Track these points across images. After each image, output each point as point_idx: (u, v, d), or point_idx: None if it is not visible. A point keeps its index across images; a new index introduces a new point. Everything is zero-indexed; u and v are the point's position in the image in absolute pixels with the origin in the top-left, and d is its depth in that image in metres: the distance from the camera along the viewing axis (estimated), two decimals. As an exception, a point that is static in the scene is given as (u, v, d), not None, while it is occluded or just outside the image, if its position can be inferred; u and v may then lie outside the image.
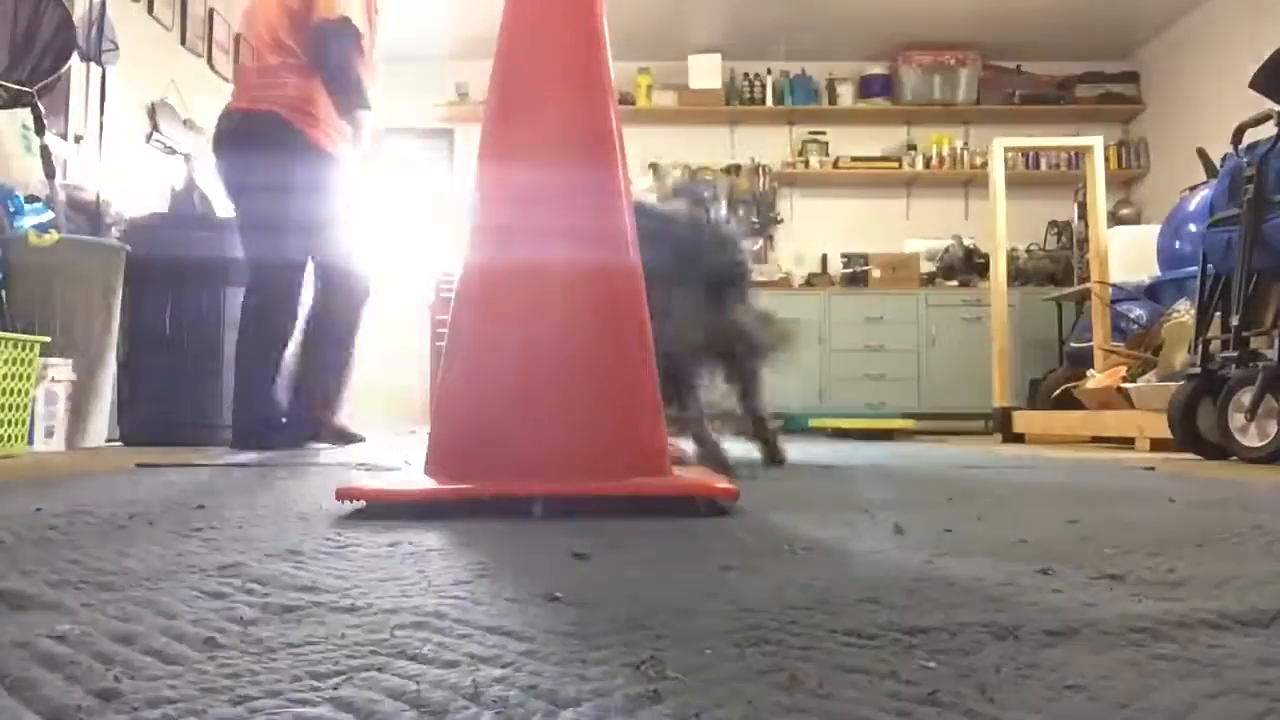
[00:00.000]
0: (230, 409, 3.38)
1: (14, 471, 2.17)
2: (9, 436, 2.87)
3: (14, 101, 3.43)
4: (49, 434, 3.15)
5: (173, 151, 5.27)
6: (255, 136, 3.16)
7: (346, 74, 3.21)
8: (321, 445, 3.31)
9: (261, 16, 3.29)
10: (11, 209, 3.34)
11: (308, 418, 3.35)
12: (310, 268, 3.38)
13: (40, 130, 3.45)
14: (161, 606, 0.67)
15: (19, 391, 2.91)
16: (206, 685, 0.49)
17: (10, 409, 2.88)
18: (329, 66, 3.17)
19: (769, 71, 6.91)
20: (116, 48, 4.42)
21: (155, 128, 5.12)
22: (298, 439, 3.26)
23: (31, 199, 3.53)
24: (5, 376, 2.85)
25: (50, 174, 3.45)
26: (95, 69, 4.40)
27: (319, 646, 0.56)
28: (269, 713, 0.45)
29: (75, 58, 3.82)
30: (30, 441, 3.03)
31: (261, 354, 3.25)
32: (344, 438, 3.44)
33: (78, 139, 4.38)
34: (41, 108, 3.45)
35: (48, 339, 3.14)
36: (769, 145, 6.93)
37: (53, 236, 3.29)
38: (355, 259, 3.42)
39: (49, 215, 3.44)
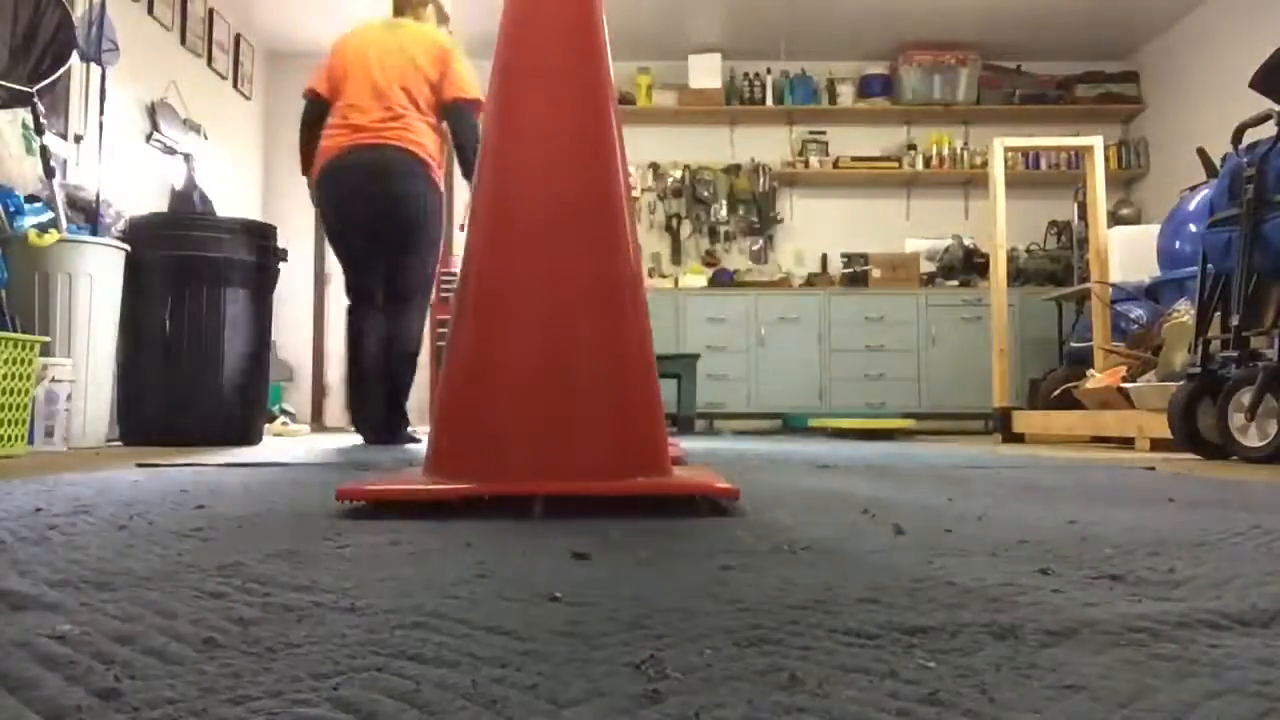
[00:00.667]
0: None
1: (14, 471, 2.17)
2: (9, 436, 2.87)
3: (14, 101, 3.43)
4: (49, 434, 3.15)
5: (172, 151, 5.27)
6: (410, 170, 3.53)
7: (478, 152, 3.53)
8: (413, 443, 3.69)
9: (392, 68, 3.58)
10: (11, 209, 3.34)
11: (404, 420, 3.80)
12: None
13: (40, 130, 3.45)
14: (161, 606, 0.67)
15: (19, 391, 2.91)
16: (206, 685, 0.49)
17: (10, 409, 2.88)
18: (470, 142, 3.56)
19: (769, 71, 6.91)
20: (116, 48, 4.42)
21: (155, 127, 5.12)
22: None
23: (31, 199, 3.53)
24: (5, 376, 2.85)
25: (50, 174, 3.45)
26: (95, 69, 4.40)
27: (319, 646, 0.56)
28: (269, 713, 0.45)
29: (75, 58, 3.82)
30: (30, 441, 3.03)
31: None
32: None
33: (77, 139, 4.38)
34: (41, 108, 3.45)
35: (48, 339, 3.14)
36: (769, 145, 6.93)
37: (53, 236, 3.29)
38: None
39: (49, 215, 3.44)
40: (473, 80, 3.59)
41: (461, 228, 3.97)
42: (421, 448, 3.08)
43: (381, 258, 3.62)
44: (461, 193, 3.83)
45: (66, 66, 3.66)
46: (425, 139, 3.56)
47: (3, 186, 3.43)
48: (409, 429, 3.80)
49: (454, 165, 4.03)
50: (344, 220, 3.60)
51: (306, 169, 3.71)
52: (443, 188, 3.73)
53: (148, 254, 3.66)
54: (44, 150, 3.46)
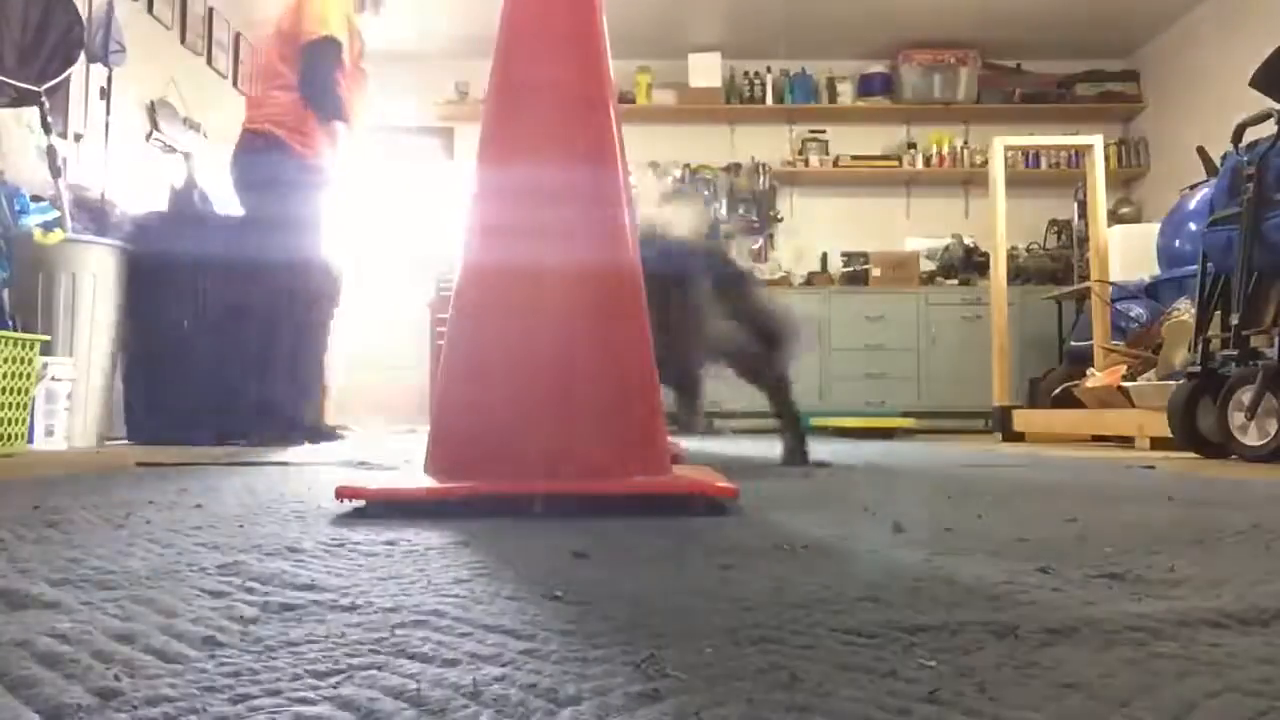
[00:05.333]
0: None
1: (14, 470, 2.17)
2: (9, 435, 2.87)
3: (21, 100, 3.44)
4: (49, 433, 3.15)
5: (172, 150, 5.27)
6: (252, 152, 3.48)
7: (325, 89, 3.43)
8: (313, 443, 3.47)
9: (265, 51, 3.65)
10: (17, 207, 3.35)
11: (300, 415, 3.58)
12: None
13: (47, 129, 3.46)
14: (161, 605, 0.67)
15: (20, 390, 2.91)
16: (206, 684, 0.49)
17: (11, 407, 2.88)
18: (308, 83, 3.41)
19: (769, 70, 6.90)
20: (123, 49, 4.43)
21: (155, 126, 5.12)
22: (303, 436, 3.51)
23: (37, 198, 3.53)
24: (6, 375, 2.85)
25: (56, 173, 3.45)
26: (95, 68, 4.40)
27: (319, 645, 0.56)
28: (269, 711, 0.45)
29: (82, 58, 3.82)
30: (31, 440, 3.03)
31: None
32: (324, 435, 3.65)
33: (77, 137, 4.38)
34: (47, 106, 3.46)
35: (48, 338, 3.14)
36: (769, 144, 6.92)
37: (58, 235, 3.29)
38: (329, 260, 3.68)
39: (54, 214, 3.44)
40: (320, 16, 3.40)
41: None
42: (420, 446, 3.08)
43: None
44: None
45: (74, 67, 3.67)
46: (282, 105, 3.46)
47: (9, 185, 3.43)
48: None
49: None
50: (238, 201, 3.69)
51: None
52: (310, 155, 3.52)
53: (150, 253, 3.66)
54: (50, 150, 3.46)
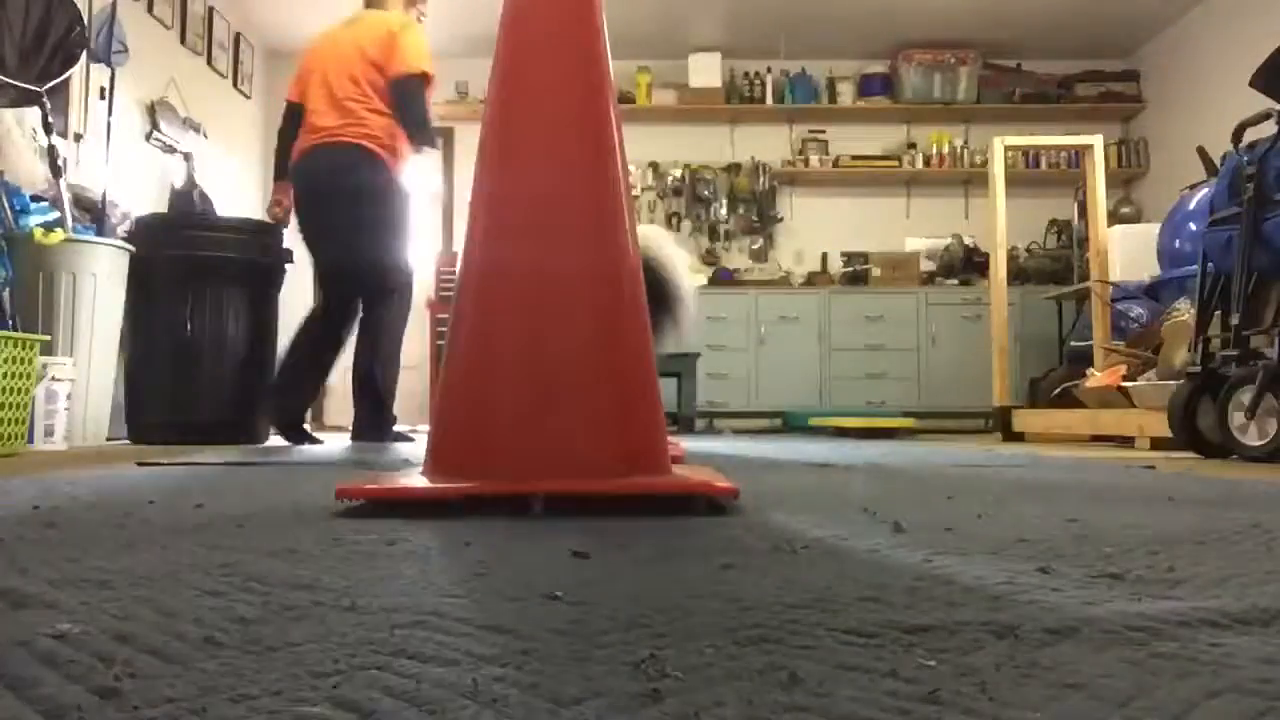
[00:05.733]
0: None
1: (14, 470, 2.17)
2: (9, 435, 2.87)
3: (23, 100, 3.44)
4: (49, 433, 3.15)
5: (172, 150, 5.27)
6: (349, 165, 3.54)
7: (424, 119, 3.63)
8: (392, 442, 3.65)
9: (343, 68, 3.62)
10: (17, 207, 3.35)
11: (388, 418, 3.75)
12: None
13: (48, 129, 3.46)
14: (161, 605, 0.67)
15: (19, 390, 2.91)
16: (206, 684, 0.49)
17: (11, 407, 2.88)
18: (410, 116, 3.58)
19: (769, 70, 6.90)
20: (126, 49, 4.43)
21: (155, 126, 5.12)
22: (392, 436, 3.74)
23: (37, 198, 3.53)
24: (6, 375, 2.85)
25: (57, 173, 3.45)
26: (95, 68, 4.40)
27: (319, 645, 0.56)
28: (269, 711, 0.45)
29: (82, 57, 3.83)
30: (30, 440, 3.03)
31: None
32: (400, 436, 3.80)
33: (77, 138, 4.38)
34: (49, 106, 3.46)
35: (47, 337, 3.14)
36: (769, 144, 6.93)
37: (58, 235, 3.29)
38: (408, 268, 3.85)
39: (55, 214, 3.44)
40: (418, 53, 3.58)
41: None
42: (420, 447, 3.09)
43: (333, 252, 3.64)
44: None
45: (76, 67, 3.67)
46: (376, 127, 3.55)
47: (10, 185, 3.43)
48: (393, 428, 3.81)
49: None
50: (301, 220, 3.67)
51: (280, 175, 3.77)
52: (400, 174, 3.68)
53: (156, 255, 3.67)
54: (51, 150, 3.47)
